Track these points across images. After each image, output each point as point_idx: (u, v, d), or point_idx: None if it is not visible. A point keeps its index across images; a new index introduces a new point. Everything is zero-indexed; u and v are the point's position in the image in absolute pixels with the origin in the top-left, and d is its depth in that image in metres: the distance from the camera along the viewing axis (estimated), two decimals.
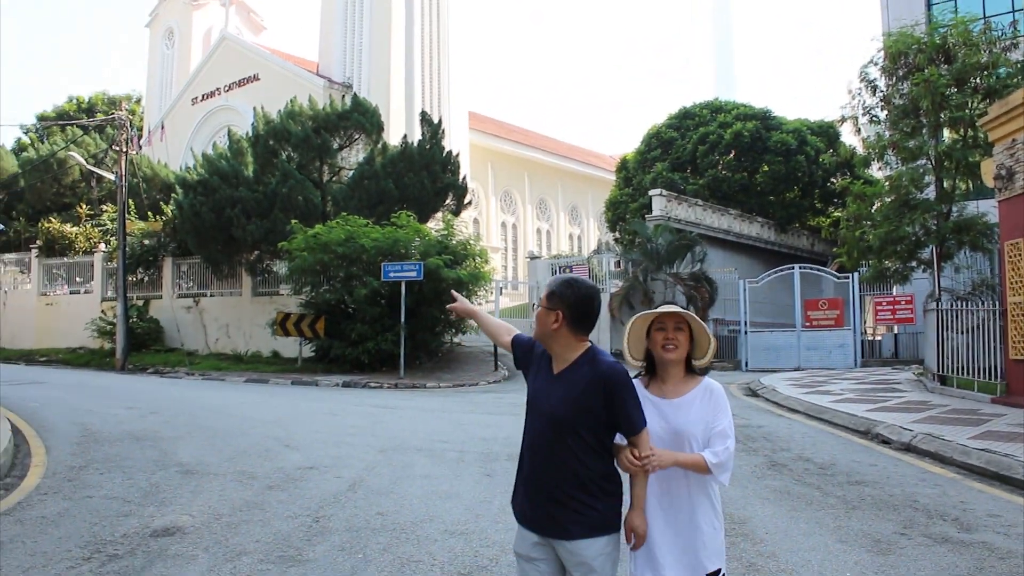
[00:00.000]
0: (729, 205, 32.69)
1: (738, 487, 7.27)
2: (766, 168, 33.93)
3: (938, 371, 14.29)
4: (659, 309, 3.23)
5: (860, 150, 17.69)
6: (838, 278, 25.98)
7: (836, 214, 35.44)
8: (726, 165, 34.69)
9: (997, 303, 12.72)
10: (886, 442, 9.57)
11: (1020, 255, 11.79)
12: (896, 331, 27.53)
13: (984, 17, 16.94)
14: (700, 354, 3.26)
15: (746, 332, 25.52)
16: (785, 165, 33.37)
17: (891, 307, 24.55)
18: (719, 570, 3.11)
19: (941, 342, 14.14)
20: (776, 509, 6.43)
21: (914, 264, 16.92)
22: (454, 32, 42.63)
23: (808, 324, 25.35)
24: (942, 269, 16.29)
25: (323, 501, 6.77)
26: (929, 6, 23.40)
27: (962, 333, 13.76)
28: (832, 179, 35.05)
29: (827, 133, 35.49)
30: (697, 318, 3.23)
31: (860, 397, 13.57)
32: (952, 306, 14.05)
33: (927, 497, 6.83)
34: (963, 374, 13.62)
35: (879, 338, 29.24)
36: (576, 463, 2.99)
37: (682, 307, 3.41)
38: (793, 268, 26.17)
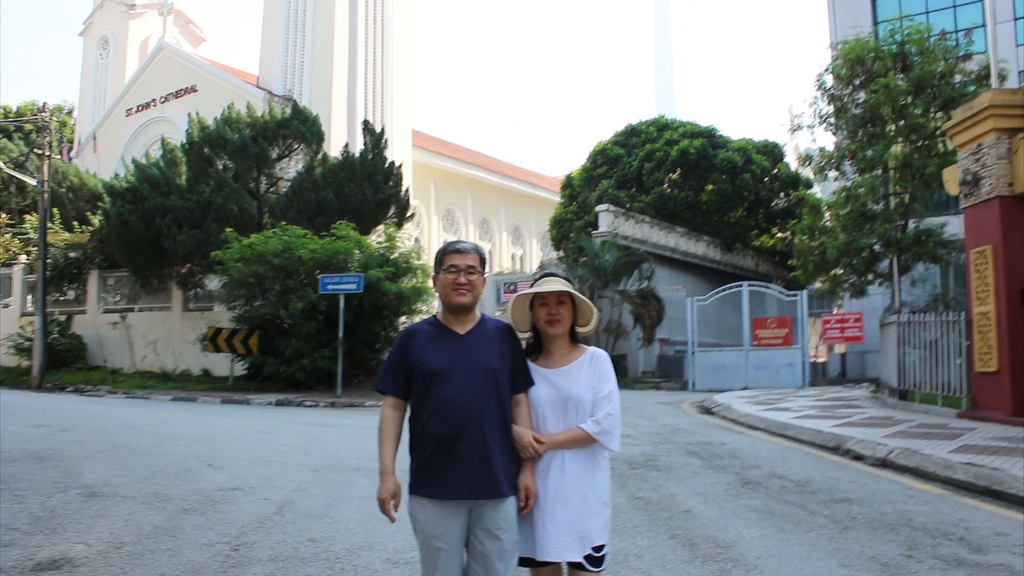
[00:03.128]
0: (675, 223, 32.35)
1: (714, 506, 6.58)
2: (712, 186, 33.71)
3: (898, 386, 13.84)
4: (536, 288, 3.23)
5: (816, 159, 17.30)
6: (786, 296, 25.71)
7: (780, 235, 35.44)
8: (672, 183, 34.39)
9: (962, 314, 12.28)
10: (859, 458, 8.97)
11: (986, 263, 11.38)
12: (844, 351, 27.35)
13: (929, 27, 16.67)
14: (583, 322, 3.31)
15: (694, 352, 25.03)
16: (731, 183, 33.18)
17: (839, 325, 24.32)
18: (603, 546, 3.12)
19: (902, 356, 13.70)
20: (762, 530, 5.72)
21: (871, 277, 16.55)
22: (398, 50, 41.89)
23: (756, 343, 24.97)
24: (899, 282, 15.93)
25: (246, 526, 5.89)
26: (876, 21, 23.38)
27: (920, 348, 13.33)
28: (777, 199, 35.04)
29: (772, 152, 35.50)
30: (577, 293, 3.25)
31: (821, 414, 13.03)
32: (913, 318, 13.59)
33: (922, 515, 6.19)
34: (922, 389, 13.19)
35: (824, 359, 29.04)
36: (503, 418, 3.10)
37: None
38: (741, 286, 25.82)
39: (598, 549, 3.09)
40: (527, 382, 3.21)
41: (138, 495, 6.93)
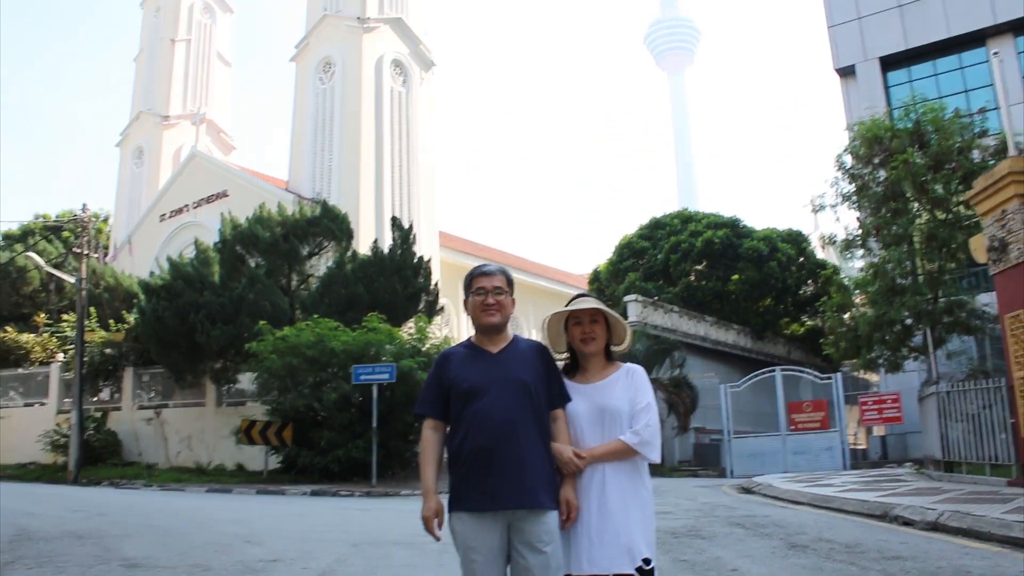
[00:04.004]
0: (704, 312, 32.29)
1: (762, 566, 6.45)
2: (738, 276, 33.74)
3: (943, 458, 13.55)
4: (570, 307, 3.32)
5: (840, 239, 17.43)
6: (820, 379, 25.38)
7: (809, 323, 35.26)
8: (698, 273, 34.50)
9: (1003, 380, 12.09)
10: (908, 523, 8.75)
11: (1022, 327, 11.27)
12: (883, 433, 26.82)
13: (944, 106, 16.94)
14: (618, 341, 3.36)
15: (730, 439, 24.61)
16: (758, 272, 33.18)
17: (877, 407, 23.90)
18: (650, 560, 3.07)
19: (944, 428, 13.45)
20: None
21: (905, 351, 16.40)
22: (423, 153, 42.79)
23: (793, 427, 24.52)
24: (935, 355, 15.75)
25: None
26: (889, 103, 23.77)
27: (962, 420, 13.09)
28: (804, 286, 34.96)
29: (797, 240, 35.59)
30: (611, 311, 3.32)
31: (866, 487, 12.75)
32: (954, 387, 13.38)
33: (980, 568, 6.03)
34: (968, 460, 12.89)
35: (863, 446, 28.44)
36: (540, 431, 3.13)
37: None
38: (775, 371, 25.56)
39: (647, 562, 3.07)
40: (563, 398, 3.26)
41: (179, 566, 6.89)
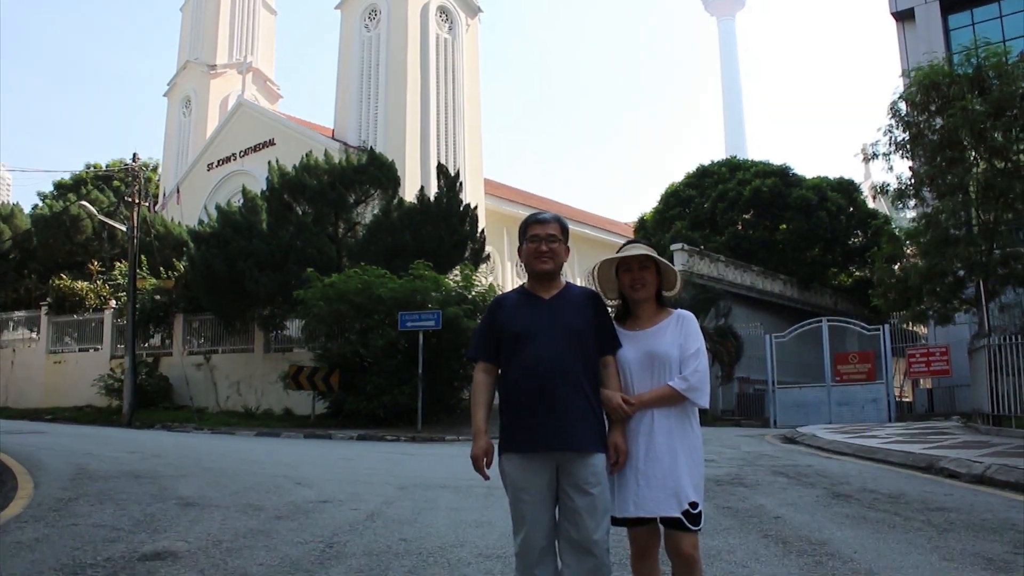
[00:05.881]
0: (750, 262, 31.94)
1: (805, 513, 6.47)
2: (786, 225, 33.25)
3: (992, 411, 13.38)
4: (620, 253, 3.35)
5: (893, 187, 17.07)
6: (868, 330, 25.10)
7: (858, 273, 34.72)
8: (746, 223, 34.05)
9: None
10: (953, 476, 8.69)
11: None
12: (930, 386, 26.53)
13: (1008, 50, 16.34)
14: (669, 287, 3.39)
15: (774, 389, 24.53)
16: (806, 222, 32.63)
17: (925, 359, 23.60)
18: (697, 504, 3.09)
19: (994, 381, 13.26)
20: (856, 532, 5.61)
21: (956, 304, 16.13)
22: (468, 100, 42.63)
23: (838, 379, 24.35)
24: (987, 307, 15.47)
25: (337, 529, 5.99)
26: (949, 48, 22.99)
27: (1013, 374, 12.89)
28: (854, 236, 34.33)
29: (847, 189, 34.86)
30: (661, 258, 3.32)
31: (911, 439, 12.67)
32: (1006, 340, 13.16)
33: None
34: (1019, 414, 12.72)
35: (909, 399, 28.14)
36: (589, 376, 3.18)
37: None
38: (821, 321, 25.33)
39: (693, 506, 3.09)
40: (614, 344, 3.29)
41: (232, 505, 7.09)
